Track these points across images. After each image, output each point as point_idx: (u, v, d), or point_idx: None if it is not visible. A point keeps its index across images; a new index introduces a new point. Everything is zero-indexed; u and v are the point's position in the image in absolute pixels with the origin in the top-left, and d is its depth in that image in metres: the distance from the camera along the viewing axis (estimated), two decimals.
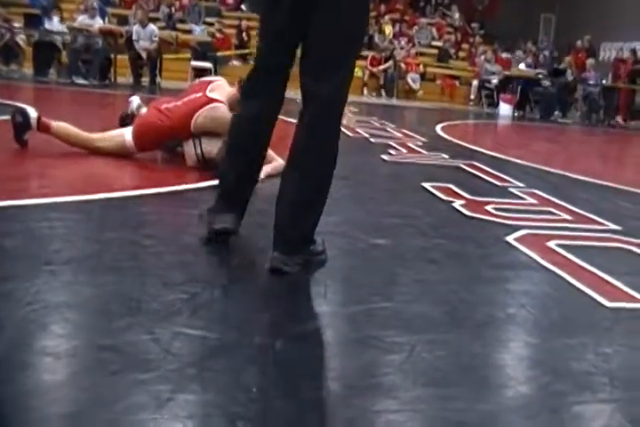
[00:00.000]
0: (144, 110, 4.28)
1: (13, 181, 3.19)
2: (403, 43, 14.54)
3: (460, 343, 1.77)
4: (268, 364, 1.55)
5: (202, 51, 12.50)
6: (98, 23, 11.44)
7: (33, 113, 3.77)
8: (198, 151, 3.80)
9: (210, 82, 4.13)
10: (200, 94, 3.98)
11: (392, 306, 2.01)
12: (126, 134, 3.88)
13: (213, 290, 1.96)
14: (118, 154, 3.85)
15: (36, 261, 2.06)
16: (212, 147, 3.78)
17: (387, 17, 15.87)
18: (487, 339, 1.87)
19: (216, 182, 2.84)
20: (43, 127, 3.76)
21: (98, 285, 1.92)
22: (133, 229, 2.57)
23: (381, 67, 13.74)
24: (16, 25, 11.33)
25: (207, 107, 3.88)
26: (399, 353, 1.66)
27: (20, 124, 3.74)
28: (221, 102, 3.93)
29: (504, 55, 13.84)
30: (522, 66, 13.02)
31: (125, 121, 4.34)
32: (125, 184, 3.31)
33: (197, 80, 4.63)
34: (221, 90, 4.06)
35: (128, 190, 3.13)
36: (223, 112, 3.87)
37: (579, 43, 14.05)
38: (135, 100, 4.65)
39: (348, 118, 7.95)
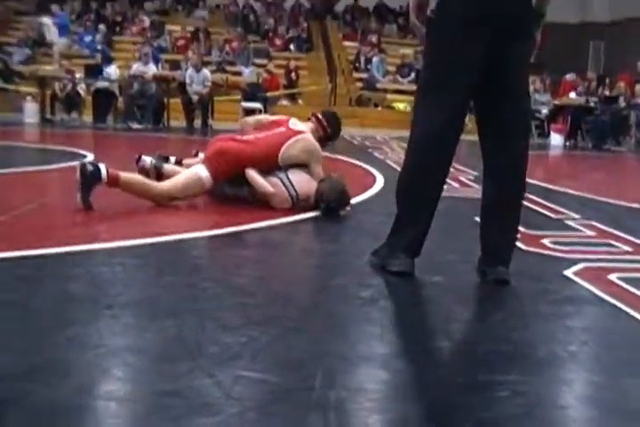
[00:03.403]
0: (168, 165, 4.21)
1: (75, 227, 3.29)
2: None
3: (523, 383, 1.74)
4: (329, 409, 1.54)
5: (251, 92, 12.79)
6: (151, 69, 11.86)
7: (102, 165, 3.55)
8: (293, 193, 3.81)
9: (286, 119, 4.16)
10: (283, 129, 4.01)
11: (451, 346, 1.99)
12: (198, 170, 3.78)
13: (272, 333, 1.98)
14: (190, 195, 3.80)
15: (98, 305, 2.12)
16: (304, 185, 3.81)
17: None
18: (550, 378, 1.83)
19: (267, 223, 2.92)
20: (111, 180, 3.52)
21: (158, 329, 1.96)
22: (189, 272, 2.61)
23: None
24: (77, 75, 11.82)
25: (295, 138, 3.92)
26: (462, 395, 1.64)
27: (91, 175, 3.45)
28: (308, 133, 3.98)
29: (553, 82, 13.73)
30: (572, 94, 12.88)
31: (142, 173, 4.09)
32: (180, 228, 3.36)
33: (250, 118, 4.67)
34: (301, 125, 4.12)
35: (183, 233, 3.18)
36: (314, 143, 3.96)
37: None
38: (147, 160, 4.28)
39: (399, 156, 7.98)
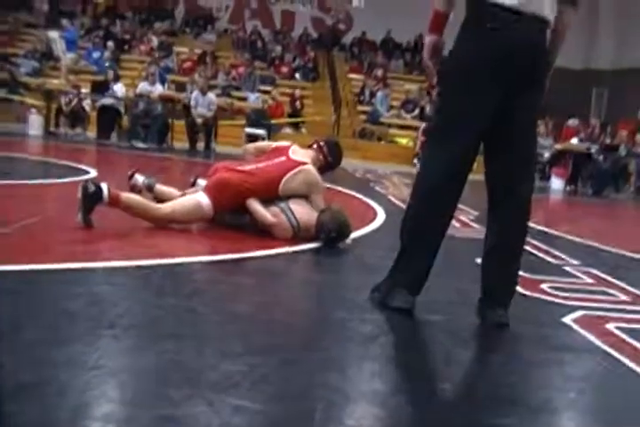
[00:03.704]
0: (161, 187, 4.26)
1: (76, 244, 3.29)
2: None
3: None
4: None
5: (256, 118, 12.87)
6: (158, 90, 11.94)
7: (105, 185, 3.57)
8: (294, 223, 3.81)
9: (287, 147, 4.17)
10: (284, 158, 4.01)
11: (449, 387, 1.98)
12: (199, 198, 3.80)
13: (271, 363, 1.97)
14: (190, 221, 3.83)
15: (98, 325, 2.10)
16: (305, 215, 3.82)
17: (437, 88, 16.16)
18: (547, 425, 1.82)
19: (267, 252, 2.92)
20: (113, 200, 3.55)
21: (158, 352, 1.94)
22: (190, 296, 2.61)
23: None
24: (83, 91, 11.91)
25: (296, 170, 3.92)
26: None
27: (93, 195, 3.47)
28: (309, 164, 4.00)
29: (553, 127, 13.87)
30: (574, 140, 13.02)
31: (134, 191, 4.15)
32: (180, 251, 3.36)
33: (255, 144, 4.71)
34: (302, 153, 4.13)
35: (183, 257, 3.18)
36: (314, 175, 3.97)
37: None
38: (139, 178, 4.38)
39: (400, 190, 8.02)
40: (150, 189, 4.28)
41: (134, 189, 4.19)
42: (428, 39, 2.61)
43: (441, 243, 2.63)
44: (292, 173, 3.92)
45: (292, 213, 3.81)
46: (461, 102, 2.50)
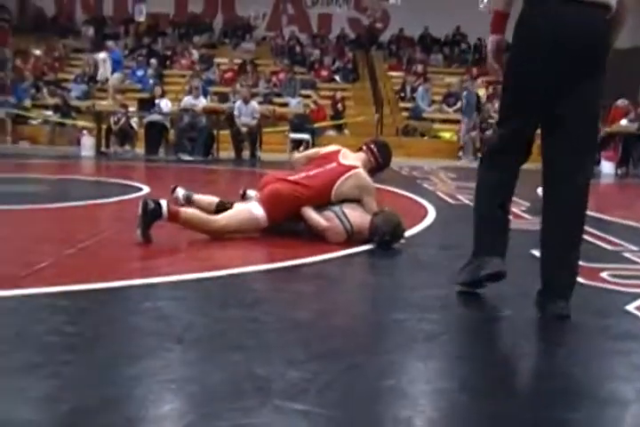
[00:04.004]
0: (199, 196, 4.41)
1: (136, 260, 3.40)
2: (497, 105, 14.54)
3: (589, 423, 1.73)
4: None
5: (299, 123, 12.97)
6: (201, 102, 12.12)
7: (164, 202, 3.67)
8: (348, 226, 3.86)
9: (337, 152, 4.21)
10: (334, 164, 4.06)
11: (516, 381, 1.99)
12: (253, 208, 3.87)
13: (335, 368, 2.01)
14: (245, 231, 3.89)
15: (167, 339, 2.18)
16: (358, 218, 3.87)
17: (479, 80, 16.02)
18: (616, 418, 1.82)
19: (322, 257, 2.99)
20: (172, 216, 3.65)
21: (227, 363, 2.01)
22: (251, 305, 2.67)
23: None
24: (131, 109, 12.20)
25: (347, 175, 3.98)
26: None
27: (152, 212, 3.57)
28: (359, 168, 4.04)
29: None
30: (624, 121, 12.73)
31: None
32: (237, 261, 3.42)
33: (308, 151, 4.77)
34: (353, 157, 4.17)
35: (241, 267, 3.25)
36: (365, 178, 4.02)
37: None
38: (180, 191, 4.60)
39: (447, 184, 8.00)
40: (189, 200, 4.45)
41: (177, 202, 4.34)
42: (491, 39, 2.68)
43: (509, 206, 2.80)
44: (343, 178, 3.97)
45: (346, 217, 3.86)
46: (524, 81, 2.56)
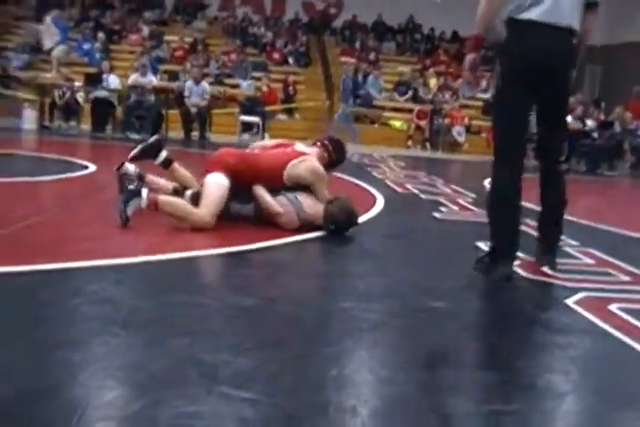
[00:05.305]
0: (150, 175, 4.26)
1: (83, 241, 3.31)
2: (447, 96, 14.71)
3: (526, 415, 1.78)
4: None
5: (249, 105, 12.83)
6: (150, 80, 11.87)
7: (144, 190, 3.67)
8: (301, 213, 3.87)
9: (292, 143, 4.34)
10: (289, 149, 4.16)
11: (455, 374, 2.03)
12: (219, 180, 3.81)
13: (283, 357, 2.01)
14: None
15: (112, 323, 2.15)
16: (312, 206, 3.89)
17: (431, 69, 16.15)
18: (552, 409, 1.87)
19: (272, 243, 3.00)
20: (151, 202, 3.63)
21: (173, 348, 1.99)
22: (199, 291, 2.65)
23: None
24: (76, 84, 11.85)
25: (300, 158, 4.03)
26: (465, 424, 1.68)
27: (132, 192, 3.65)
28: (313, 156, 4.12)
29: None
30: (569, 118, 13.02)
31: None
32: (186, 246, 3.38)
33: (259, 143, 4.76)
34: (307, 150, 4.25)
35: (189, 251, 3.21)
36: (318, 166, 4.05)
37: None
38: (130, 167, 4.21)
39: (396, 173, 8.05)
40: (141, 178, 4.16)
41: (123, 178, 4.14)
42: (468, 57, 3.24)
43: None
44: (296, 160, 4.00)
45: (300, 204, 3.86)
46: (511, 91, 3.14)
